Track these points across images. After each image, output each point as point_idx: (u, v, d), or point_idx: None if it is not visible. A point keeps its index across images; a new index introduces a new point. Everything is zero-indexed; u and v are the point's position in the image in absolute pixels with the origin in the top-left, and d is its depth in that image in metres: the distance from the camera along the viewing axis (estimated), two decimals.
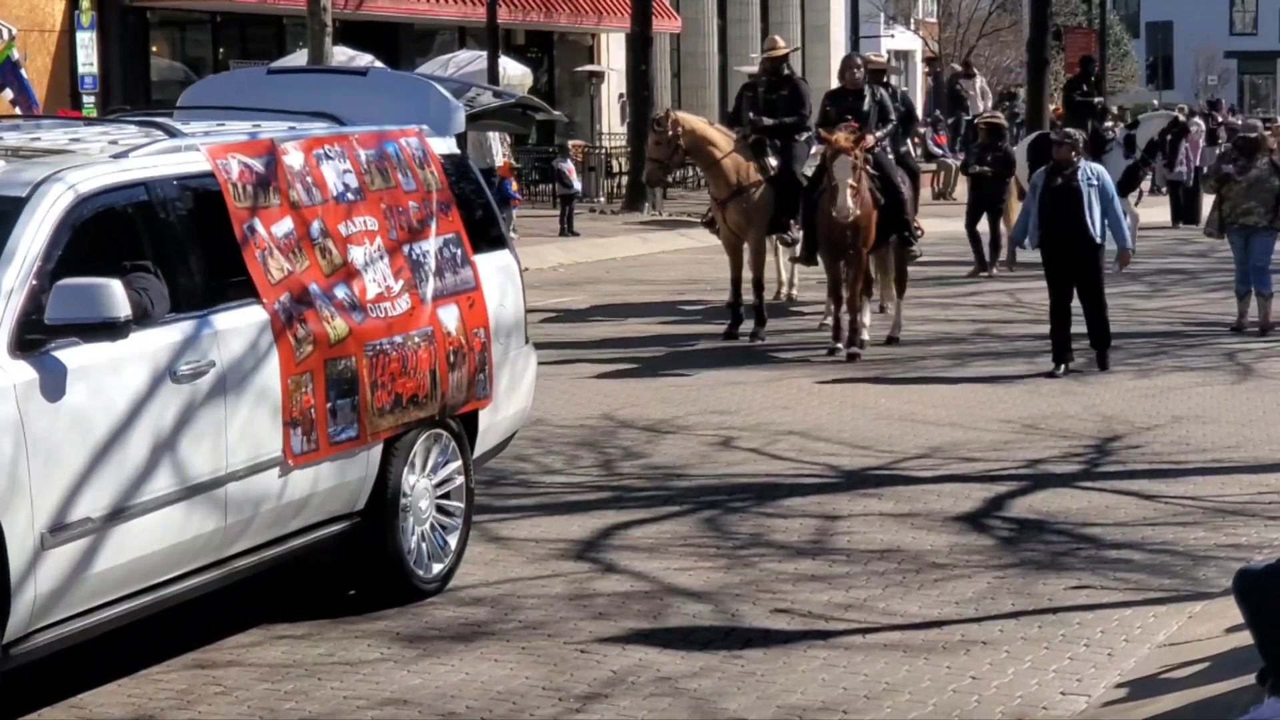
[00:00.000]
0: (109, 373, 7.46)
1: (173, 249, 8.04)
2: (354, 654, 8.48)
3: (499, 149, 31.16)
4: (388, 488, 9.04)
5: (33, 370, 7.13)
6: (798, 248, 19.85)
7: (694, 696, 7.88)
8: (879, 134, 18.23)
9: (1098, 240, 16.22)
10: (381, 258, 9.08)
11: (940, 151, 39.15)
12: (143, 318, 7.60)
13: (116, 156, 8.07)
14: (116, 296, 7.20)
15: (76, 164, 7.86)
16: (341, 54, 26.02)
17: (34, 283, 7.28)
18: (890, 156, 18.57)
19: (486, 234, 10.17)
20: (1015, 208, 25.20)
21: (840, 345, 17.47)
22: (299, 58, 26.38)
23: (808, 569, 9.96)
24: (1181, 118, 35.15)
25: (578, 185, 33.87)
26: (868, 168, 17.51)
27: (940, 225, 25.34)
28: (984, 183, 24.94)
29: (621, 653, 8.49)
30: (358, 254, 8.93)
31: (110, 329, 7.25)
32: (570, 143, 36.89)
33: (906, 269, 19.05)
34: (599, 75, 42.02)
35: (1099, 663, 8.33)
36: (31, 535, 7.03)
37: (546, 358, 17.38)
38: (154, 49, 33.47)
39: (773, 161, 19.04)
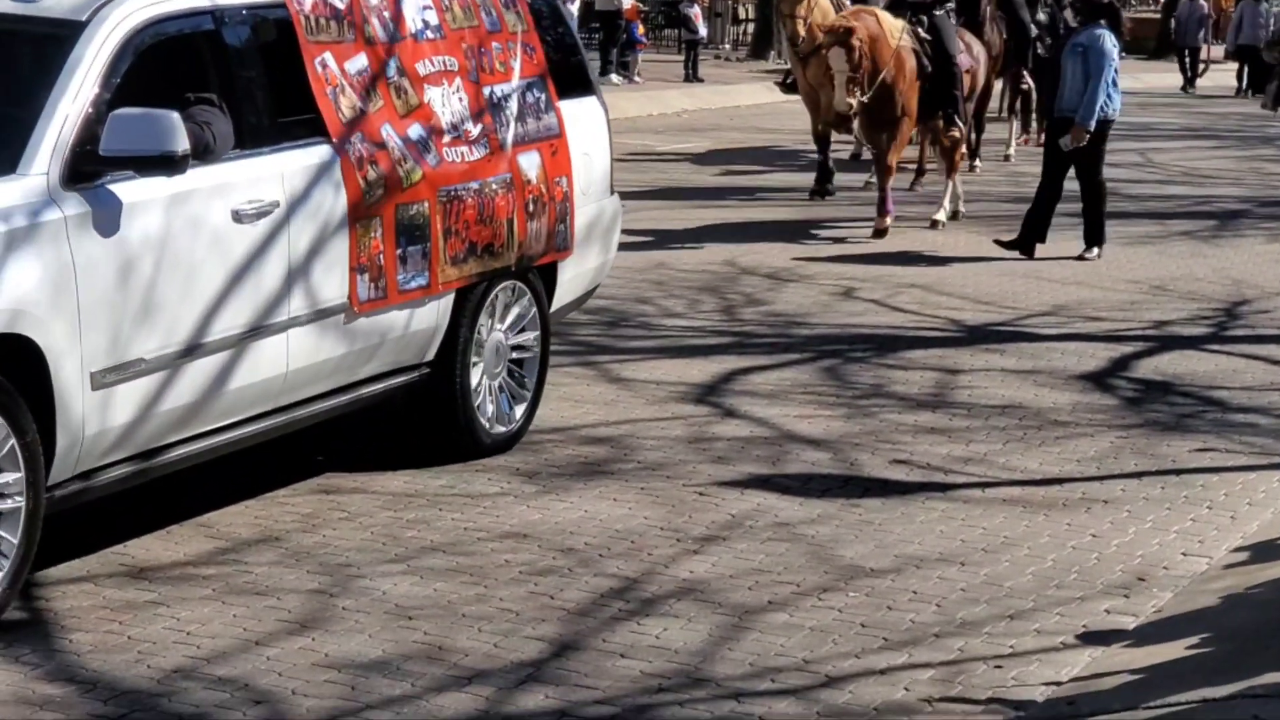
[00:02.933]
0: (165, 208, 7.10)
1: (239, 82, 7.63)
2: (475, 487, 8.55)
3: None
4: (459, 339, 8.70)
5: (85, 203, 6.79)
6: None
7: (811, 543, 7.90)
8: None
9: (1057, 114, 14.68)
10: (460, 100, 8.69)
11: None
12: (204, 153, 7.25)
13: None
14: (174, 128, 6.82)
15: None
16: None
17: (90, 111, 6.88)
18: (952, 20, 16.78)
19: (574, 79, 9.75)
20: None
21: (887, 222, 15.78)
22: None
23: (927, 421, 9.92)
24: None
25: (703, 31, 33.67)
26: (919, 29, 16.00)
27: None
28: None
29: (740, 497, 8.51)
30: (435, 95, 8.54)
31: (167, 162, 6.85)
32: None
33: (959, 145, 17.23)
34: None
35: (1221, 525, 8.26)
36: (81, 375, 6.74)
37: (669, 204, 17.39)
38: None
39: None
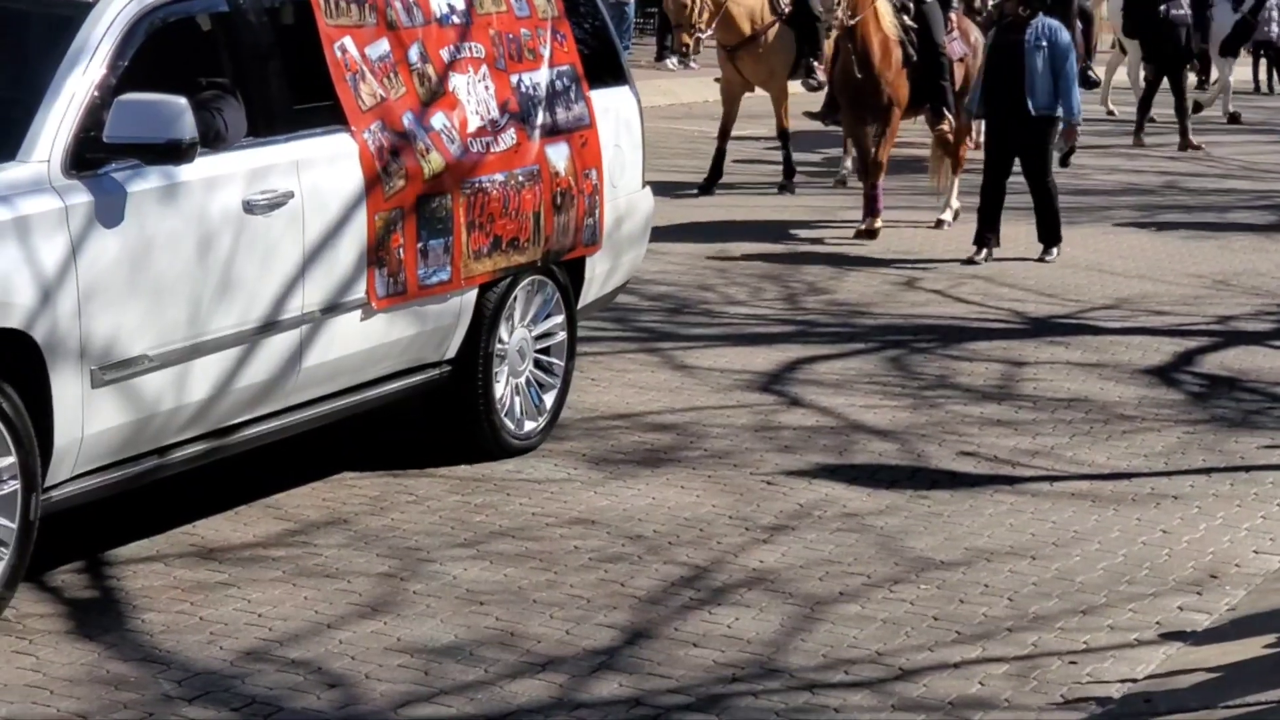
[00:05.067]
0: (171, 199, 6.82)
1: (254, 68, 7.35)
2: (541, 472, 8.53)
3: None
4: (481, 336, 8.43)
5: (88, 192, 6.52)
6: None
7: (880, 534, 7.86)
8: None
9: (1033, 112, 13.73)
10: (486, 88, 8.39)
11: None
12: (215, 140, 7.01)
13: None
14: (182, 115, 6.54)
15: None
16: None
17: (95, 96, 6.60)
18: (940, 12, 15.47)
19: (607, 67, 9.40)
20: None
21: (865, 225, 15.09)
22: None
23: (994, 413, 9.87)
24: None
25: None
26: (904, 16, 15.07)
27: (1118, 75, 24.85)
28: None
29: (808, 486, 8.48)
30: (460, 83, 8.23)
31: (174, 151, 6.58)
32: None
33: (962, 138, 15.76)
34: None
35: None
36: (80, 373, 6.48)
37: (728, 190, 17.32)
38: None
39: None
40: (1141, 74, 23.77)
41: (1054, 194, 14.29)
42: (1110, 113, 24.55)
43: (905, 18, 15.19)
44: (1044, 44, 13.76)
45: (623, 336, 11.30)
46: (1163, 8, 21.80)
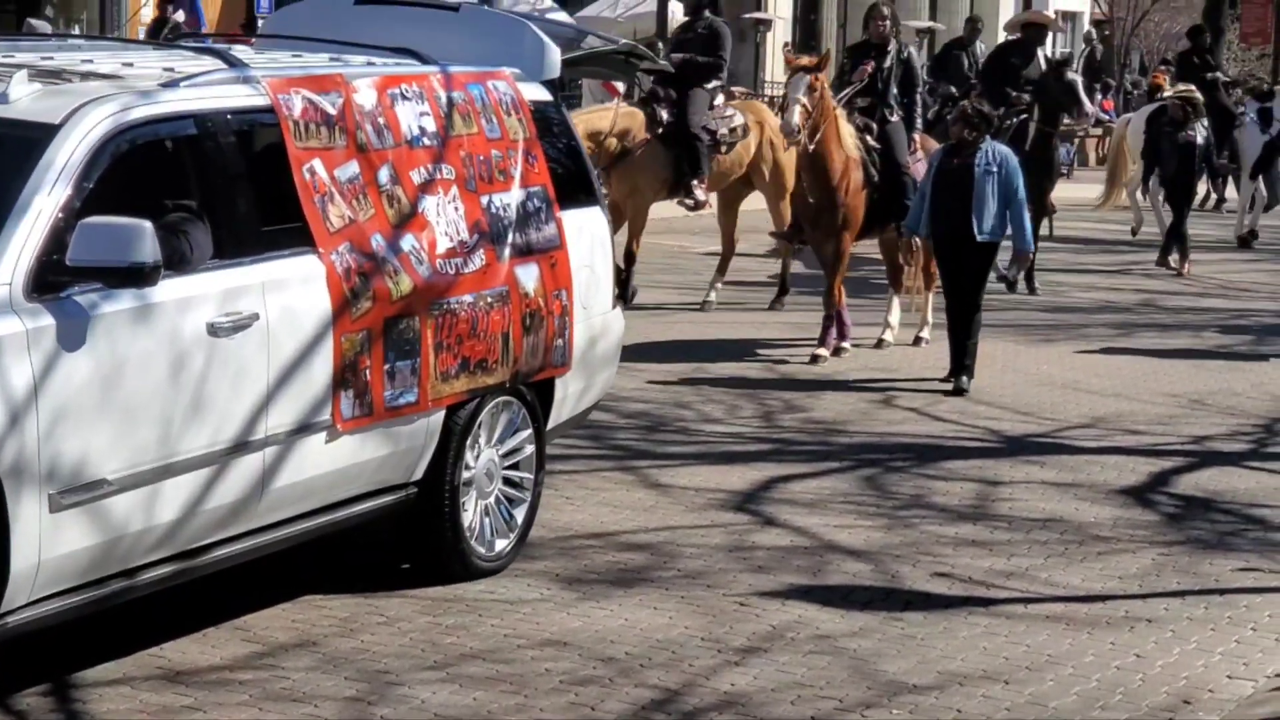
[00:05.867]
0: (135, 322, 6.78)
1: (222, 190, 7.34)
2: (513, 592, 8.48)
3: None
4: (448, 458, 8.37)
5: (50, 316, 6.48)
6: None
7: (853, 656, 7.82)
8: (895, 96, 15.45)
9: (979, 238, 13.45)
10: (456, 209, 8.37)
11: (1107, 116, 38.51)
12: (179, 263, 6.99)
13: (166, 85, 7.33)
14: (145, 239, 6.52)
15: (119, 92, 7.12)
16: None
17: (59, 218, 6.59)
18: (904, 133, 15.48)
19: (578, 188, 9.39)
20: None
21: (824, 351, 14.89)
22: None
23: (968, 534, 9.85)
24: None
25: None
26: (868, 138, 15.06)
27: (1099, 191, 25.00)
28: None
29: (781, 608, 8.44)
30: (430, 204, 8.21)
31: (136, 274, 6.56)
32: (735, 90, 36.64)
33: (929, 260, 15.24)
34: (766, 23, 41.71)
35: (1266, 647, 8.17)
36: (39, 498, 6.40)
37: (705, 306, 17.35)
38: None
39: (664, 115, 17.01)
40: (1142, 198, 23.98)
41: (978, 320, 13.91)
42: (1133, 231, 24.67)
43: (869, 138, 15.18)
44: (994, 170, 13.53)
45: (597, 454, 11.28)
46: (1170, 130, 21.83)
